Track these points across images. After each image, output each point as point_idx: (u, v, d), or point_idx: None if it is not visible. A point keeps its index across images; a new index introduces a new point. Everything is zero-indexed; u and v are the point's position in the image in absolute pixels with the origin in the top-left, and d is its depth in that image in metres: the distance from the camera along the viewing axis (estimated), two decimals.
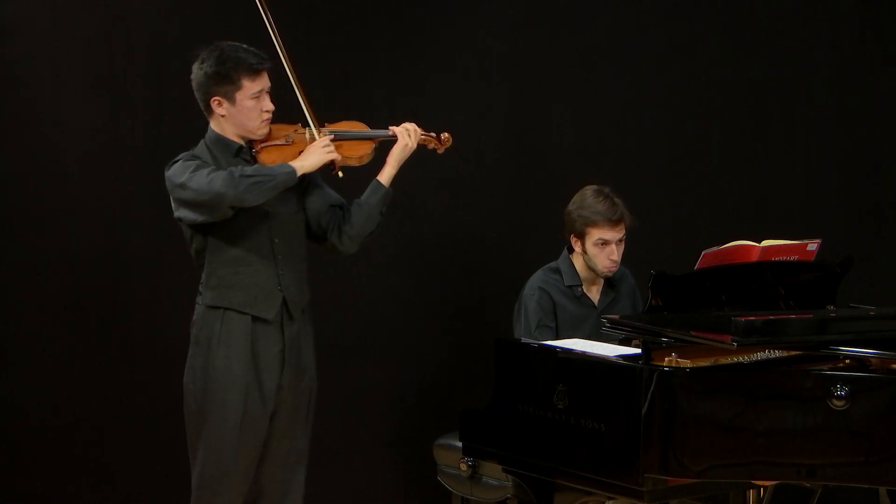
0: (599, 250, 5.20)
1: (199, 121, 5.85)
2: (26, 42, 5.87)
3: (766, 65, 6.09)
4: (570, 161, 6.09)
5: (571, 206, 5.26)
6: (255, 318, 4.73)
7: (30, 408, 5.97)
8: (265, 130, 4.79)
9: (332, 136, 4.80)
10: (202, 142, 4.84)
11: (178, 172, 4.70)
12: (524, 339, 4.98)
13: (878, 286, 5.80)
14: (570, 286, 5.28)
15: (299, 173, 4.71)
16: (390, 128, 4.87)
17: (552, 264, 5.34)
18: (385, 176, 4.87)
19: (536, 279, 5.31)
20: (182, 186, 4.66)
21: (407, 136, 4.88)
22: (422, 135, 4.92)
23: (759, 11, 6.09)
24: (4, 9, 5.85)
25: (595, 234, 5.19)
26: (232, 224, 4.71)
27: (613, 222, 5.18)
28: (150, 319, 5.90)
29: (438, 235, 6.09)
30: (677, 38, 6.09)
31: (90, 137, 5.93)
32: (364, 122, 4.95)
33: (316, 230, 4.87)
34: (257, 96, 4.74)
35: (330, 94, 5.97)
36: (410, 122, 4.91)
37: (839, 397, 4.08)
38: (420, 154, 5.94)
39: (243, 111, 4.76)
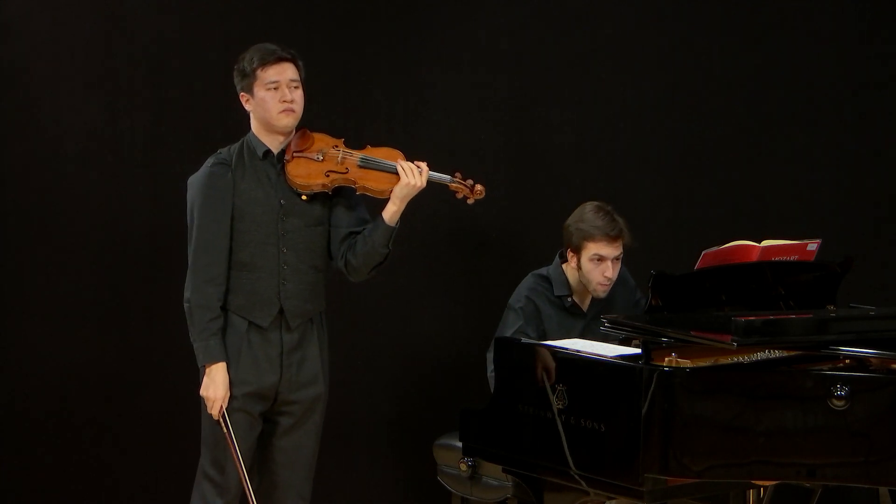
0: (594, 266, 5.16)
1: (198, 121, 5.87)
2: (26, 42, 5.88)
3: (765, 64, 6.08)
4: (570, 161, 6.08)
5: (570, 220, 5.22)
6: (251, 323, 4.80)
7: (31, 407, 5.97)
8: (286, 122, 4.79)
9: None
10: (242, 139, 4.89)
11: (194, 211, 4.81)
12: (524, 340, 4.97)
13: (878, 286, 5.81)
14: (559, 296, 5.26)
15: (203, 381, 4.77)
16: (398, 162, 4.82)
17: (542, 271, 5.31)
18: (388, 213, 4.80)
19: (525, 286, 5.28)
20: (189, 230, 4.82)
21: (411, 174, 4.79)
22: (455, 182, 4.89)
23: (759, 11, 6.09)
24: (4, 9, 5.86)
25: (592, 249, 5.15)
26: (244, 231, 4.79)
27: (611, 238, 5.14)
28: (151, 318, 5.90)
29: (438, 236, 6.09)
30: (677, 38, 6.09)
31: (90, 137, 5.93)
32: (398, 150, 4.89)
33: (333, 251, 4.91)
34: (273, 87, 4.76)
35: (330, 94, 5.97)
36: (423, 160, 4.85)
37: (839, 397, 4.08)
38: (418, 154, 5.96)
39: (261, 103, 4.79)
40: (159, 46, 5.91)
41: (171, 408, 5.84)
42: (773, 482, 4.65)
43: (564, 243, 5.24)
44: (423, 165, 4.83)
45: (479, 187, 4.91)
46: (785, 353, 4.36)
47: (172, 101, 5.90)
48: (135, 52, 5.92)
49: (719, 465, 4.17)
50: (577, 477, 4.33)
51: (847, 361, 4.30)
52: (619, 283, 5.29)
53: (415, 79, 6.05)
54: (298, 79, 4.82)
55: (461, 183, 4.90)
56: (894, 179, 6.09)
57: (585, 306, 5.28)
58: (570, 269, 5.25)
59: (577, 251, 5.18)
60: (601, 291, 5.20)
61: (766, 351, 4.37)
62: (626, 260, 5.30)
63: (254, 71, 4.77)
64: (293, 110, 4.79)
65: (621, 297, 5.32)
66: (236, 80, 4.84)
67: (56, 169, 5.92)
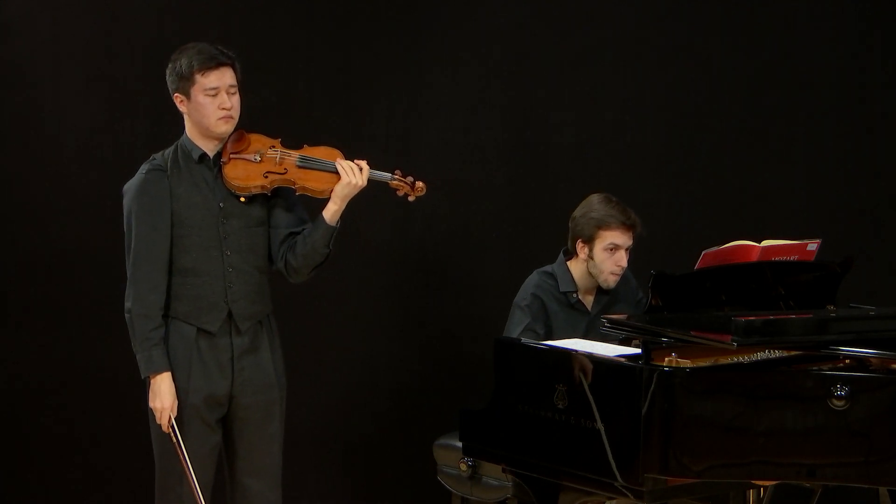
0: (608, 255, 5.16)
1: None
2: (26, 42, 5.88)
3: (766, 64, 6.09)
4: (570, 161, 6.08)
5: (579, 212, 5.21)
6: (200, 329, 4.73)
7: (29, 407, 5.97)
8: (225, 129, 4.70)
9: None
10: (176, 142, 4.81)
11: (131, 220, 4.73)
12: (524, 340, 4.97)
13: (878, 286, 5.80)
14: (564, 292, 5.25)
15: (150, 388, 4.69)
16: (337, 161, 4.73)
17: (547, 268, 5.30)
18: (328, 212, 4.71)
19: (531, 283, 5.27)
20: (127, 239, 4.76)
21: (351, 173, 4.70)
22: (395, 179, 4.80)
23: (760, 11, 6.09)
24: (5, 9, 5.86)
25: (607, 238, 5.14)
26: (184, 236, 4.71)
27: (627, 227, 5.14)
28: None
29: (438, 235, 6.09)
30: (677, 38, 6.09)
31: (90, 137, 5.93)
32: (338, 148, 4.80)
33: (273, 252, 4.82)
34: (213, 93, 4.67)
35: (330, 95, 5.97)
36: (364, 159, 4.75)
37: (839, 397, 4.08)
38: (418, 153, 5.96)
39: (198, 108, 4.69)
40: (159, 46, 5.90)
41: None
42: (773, 482, 4.65)
43: (573, 236, 5.22)
44: (363, 164, 4.73)
45: (419, 184, 4.82)
46: (785, 353, 4.36)
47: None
48: (135, 52, 5.92)
49: (719, 465, 4.16)
50: (577, 477, 4.33)
51: (847, 361, 4.30)
52: (622, 280, 5.30)
53: (415, 79, 6.05)
54: (236, 83, 4.71)
55: (401, 180, 4.81)
56: (894, 179, 6.09)
57: (589, 304, 5.28)
58: (575, 265, 5.25)
59: (590, 241, 5.16)
60: (612, 281, 5.19)
61: (766, 351, 4.37)
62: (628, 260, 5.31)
63: (192, 74, 4.67)
64: (231, 116, 4.70)
65: (624, 295, 5.33)
66: (170, 80, 4.73)
67: (56, 169, 5.92)
